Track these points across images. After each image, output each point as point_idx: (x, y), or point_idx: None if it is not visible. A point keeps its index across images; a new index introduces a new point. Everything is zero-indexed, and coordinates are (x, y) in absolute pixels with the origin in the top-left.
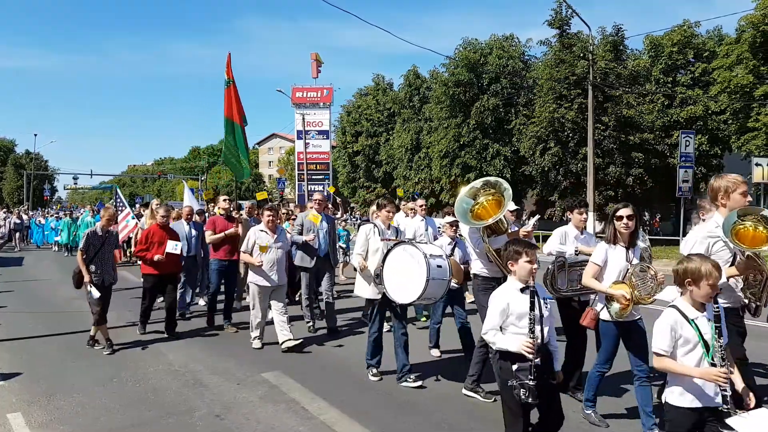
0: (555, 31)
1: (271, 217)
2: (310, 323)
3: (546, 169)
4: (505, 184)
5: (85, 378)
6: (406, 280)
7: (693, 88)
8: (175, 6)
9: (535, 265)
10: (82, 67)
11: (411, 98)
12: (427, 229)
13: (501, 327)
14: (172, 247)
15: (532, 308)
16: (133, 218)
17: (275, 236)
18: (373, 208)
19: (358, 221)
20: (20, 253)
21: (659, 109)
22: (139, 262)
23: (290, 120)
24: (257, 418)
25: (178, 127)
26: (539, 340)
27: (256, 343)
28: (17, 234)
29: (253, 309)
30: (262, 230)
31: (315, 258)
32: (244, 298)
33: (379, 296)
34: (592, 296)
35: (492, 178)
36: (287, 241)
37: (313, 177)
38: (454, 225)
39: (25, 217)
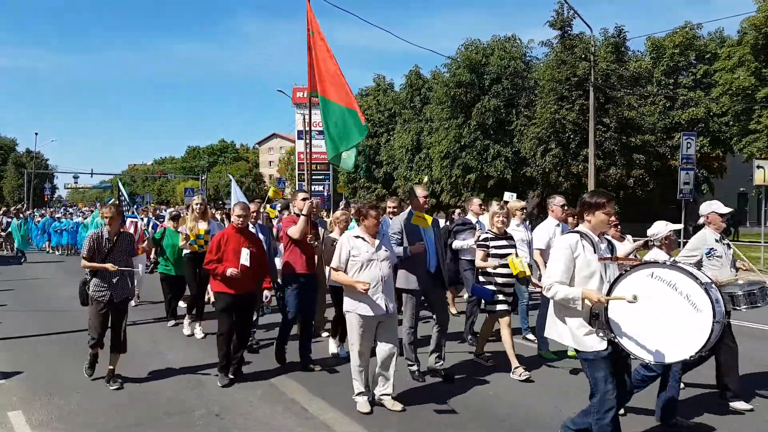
0: (557, 32)
1: (376, 219)
2: (414, 366)
3: (547, 170)
4: None
5: (85, 377)
6: (661, 325)
7: (695, 90)
8: (175, 5)
9: None
10: (81, 66)
11: (412, 99)
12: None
13: None
14: (245, 257)
15: None
16: (133, 216)
17: (377, 243)
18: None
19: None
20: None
21: (661, 110)
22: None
23: (291, 120)
24: (256, 418)
25: (178, 127)
26: None
27: (363, 406)
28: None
29: (352, 347)
30: (358, 236)
31: (423, 275)
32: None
33: (605, 347)
34: None
35: None
36: (393, 249)
37: (314, 177)
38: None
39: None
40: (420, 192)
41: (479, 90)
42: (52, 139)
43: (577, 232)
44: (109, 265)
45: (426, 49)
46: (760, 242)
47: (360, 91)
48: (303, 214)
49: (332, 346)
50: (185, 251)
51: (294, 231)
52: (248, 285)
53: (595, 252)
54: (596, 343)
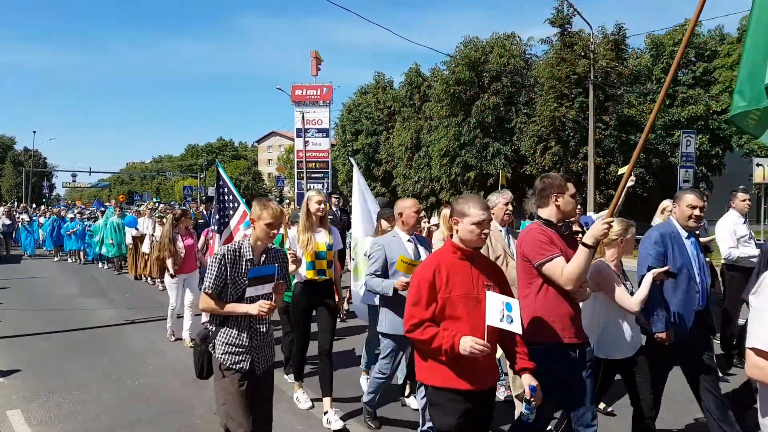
0: (556, 29)
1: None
2: None
3: (547, 168)
4: None
5: (85, 375)
6: None
7: (694, 88)
8: (174, 3)
9: None
10: (80, 63)
11: (411, 96)
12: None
13: None
14: (497, 312)
15: None
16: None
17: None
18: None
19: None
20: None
21: (660, 108)
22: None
23: (290, 118)
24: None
25: (177, 125)
26: None
27: None
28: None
29: None
30: None
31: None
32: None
33: None
34: None
35: None
36: None
37: (313, 175)
38: None
39: (25, 217)
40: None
41: (479, 88)
42: (51, 137)
43: None
44: (253, 307)
45: (425, 46)
46: (759, 240)
47: (360, 89)
48: (586, 245)
49: None
50: (295, 279)
51: (568, 271)
52: (494, 369)
53: None
54: None
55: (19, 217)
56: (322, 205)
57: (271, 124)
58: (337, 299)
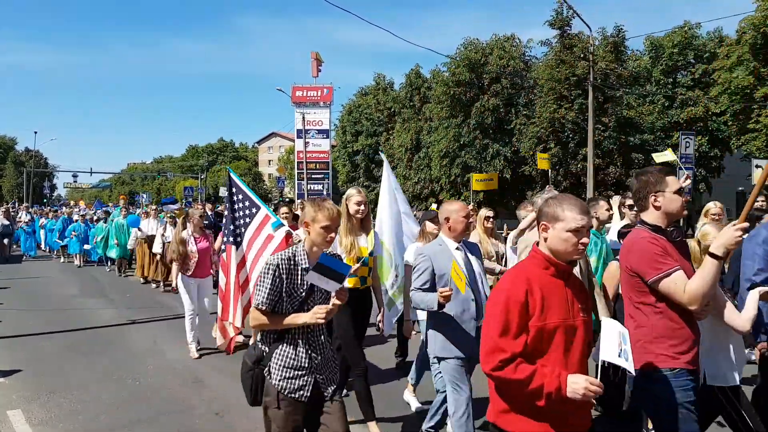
0: (556, 31)
1: None
2: None
3: (546, 169)
4: None
5: (85, 375)
6: None
7: (693, 89)
8: (174, 3)
9: None
10: (80, 63)
11: (411, 98)
12: None
13: None
14: (617, 345)
15: None
16: (279, 225)
17: None
18: None
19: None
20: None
21: (659, 110)
22: None
23: (290, 119)
24: (257, 417)
25: (177, 125)
26: None
27: None
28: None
29: None
30: None
31: None
32: None
33: None
34: None
35: None
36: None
37: (313, 176)
38: None
39: (25, 217)
40: None
41: (478, 89)
42: (52, 137)
43: None
44: (309, 315)
45: (425, 48)
46: None
47: (360, 90)
48: (715, 255)
49: None
50: None
51: (692, 288)
52: (588, 411)
53: None
54: None
55: (19, 219)
56: (363, 206)
57: (271, 124)
58: (380, 312)
